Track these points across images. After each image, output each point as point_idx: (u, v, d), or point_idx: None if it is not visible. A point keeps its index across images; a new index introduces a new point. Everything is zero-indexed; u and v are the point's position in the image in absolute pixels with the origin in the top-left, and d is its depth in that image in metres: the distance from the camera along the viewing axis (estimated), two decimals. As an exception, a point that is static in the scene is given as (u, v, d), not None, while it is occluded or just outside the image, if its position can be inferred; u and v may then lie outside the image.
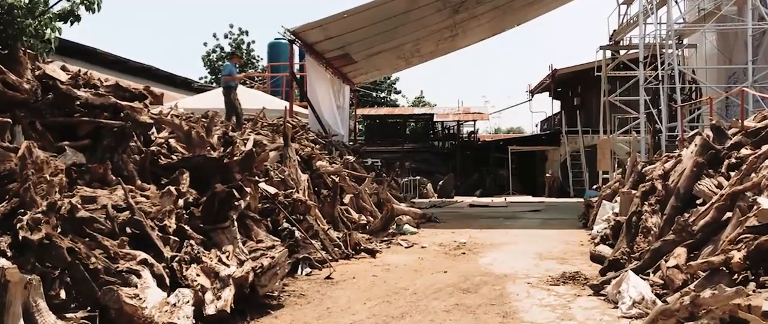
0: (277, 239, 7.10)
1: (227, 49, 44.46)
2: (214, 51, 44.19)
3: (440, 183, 26.35)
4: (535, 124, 40.22)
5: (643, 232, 6.78)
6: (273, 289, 5.79)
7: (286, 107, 13.84)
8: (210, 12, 79.79)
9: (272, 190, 7.59)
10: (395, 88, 47.42)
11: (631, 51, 23.89)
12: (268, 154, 8.48)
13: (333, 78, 20.42)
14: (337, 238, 8.86)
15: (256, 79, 26.94)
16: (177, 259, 4.91)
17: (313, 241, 8.03)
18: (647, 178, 9.42)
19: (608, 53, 24.08)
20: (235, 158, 7.02)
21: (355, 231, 10.07)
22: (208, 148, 7.71)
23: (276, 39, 22.95)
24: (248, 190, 6.78)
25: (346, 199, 10.83)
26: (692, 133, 8.35)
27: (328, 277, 7.11)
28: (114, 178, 5.91)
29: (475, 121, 36.47)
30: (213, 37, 45.21)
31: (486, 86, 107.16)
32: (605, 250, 7.99)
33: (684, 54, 22.21)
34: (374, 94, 44.75)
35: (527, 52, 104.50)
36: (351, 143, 21.59)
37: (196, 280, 5.09)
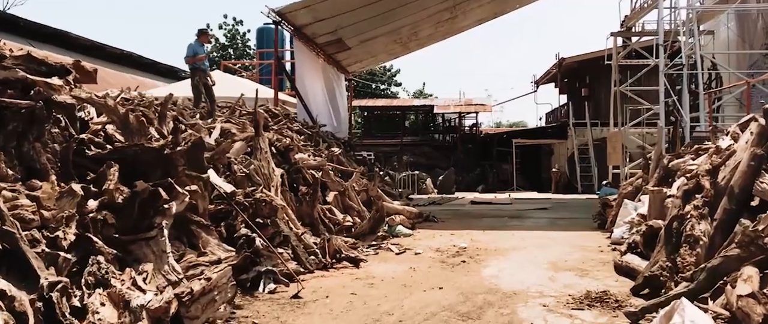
0: (232, 249, 5.75)
1: (223, 40, 43.16)
2: (209, 42, 42.79)
3: (440, 178, 24.95)
4: (540, 117, 38.82)
5: (689, 241, 5.39)
6: (213, 318, 4.42)
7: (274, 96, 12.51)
8: (203, 1, 78.14)
9: (228, 187, 6.21)
10: (396, 81, 46.01)
11: (645, 38, 22.53)
12: (231, 144, 7.10)
13: (325, 66, 19.05)
14: (314, 244, 7.48)
15: (248, 67, 25.57)
16: (62, 285, 3.52)
17: (283, 250, 6.66)
18: (679, 174, 8.04)
19: (619, 41, 22.62)
20: (179, 148, 5.64)
21: (338, 235, 8.70)
22: (154, 136, 6.34)
23: (265, 24, 21.54)
24: (192, 187, 5.41)
25: (330, 197, 9.47)
26: (745, 119, 6.91)
27: (295, 296, 5.73)
28: (9, 172, 4.55)
29: (477, 113, 34.99)
30: (207, 28, 43.69)
31: (489, 80, 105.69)
32: (635, 261, 6.60)
33: (701, 41, 20.81)
34: (373, 86, 43.35)
35: (533, 42, 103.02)
36: (347, 136, 20.21)
37: (98, 313, 3.73)
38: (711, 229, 5.37)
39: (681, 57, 17.11)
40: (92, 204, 4.47)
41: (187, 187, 5.49)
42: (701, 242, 5.26)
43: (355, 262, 7.46)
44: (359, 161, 15.14)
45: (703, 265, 4.60)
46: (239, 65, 26.57)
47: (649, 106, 21.51)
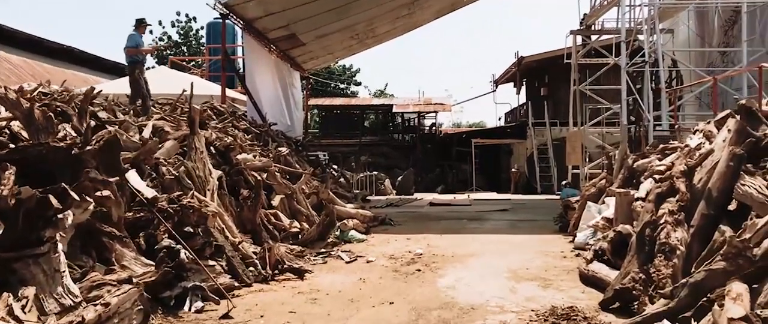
0: (152, 263, 5.02)
1: (175, 37, 41.90)
2: (161, 39, 41.58)
3: (399, 179, 24.42)
4: (499, 117, 38.52)
5: (664, 251, 4.86)
6: (116, 349, 3.70)
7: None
8: (154, -1, 75.81)
9: (149, 192, 5.46)
10: (355, 80, 45.31)
11: (604, 36, 22.32)
12: (157, 143, 6.34)
13: (278, 62, 18.25)
14: (254, 254, 6.76)
15: (195, 63, 24.57)
16: None
17: (216, 261, 5.94)
18: (646, 175, 7.58)
19: (579, 39, 22.34)
20: (89, 147, 4.89)
21: (284, 242, 8.02)
22: (69, 134, 5.56)
23: (215, 18, 20.61)
24: (103, 192, 4.67)
25: (276, 201, 8.75)
26: (721, 115, 6.46)
27: (225, 316, 5.03)
28: None
29: (436, 112, 34.51)
30: (159, 25, 42.40)
31: (449, 80, 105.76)
32: (602, 270, 6.08)
33: (661, 40, 20.67)
34: (332, 85, 42.57)
35: (492, 41, 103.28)
36: (301, 136, 19.41)
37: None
38: (687, 236, 4.85)
39: (643, 55, 16.82)
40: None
41: (98, 193, 4.76)
42: (678, 252, 4.74)
43: (300, 274, 6.77)
44: (312, 162, 14.43)
45: (684, 281, 4.05)
46: (187, 61, 25.51)
47: (609, 105, 21.30)
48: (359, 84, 45.76)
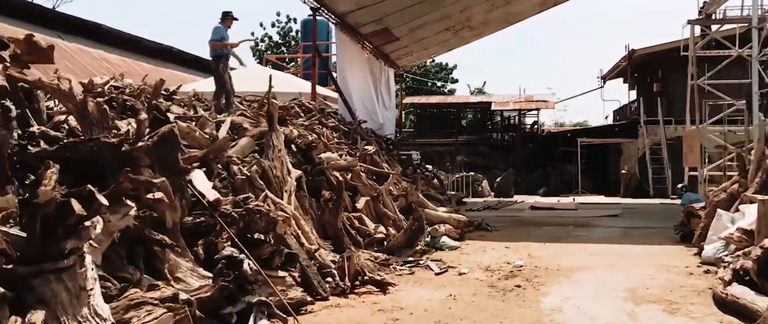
0: (209, 275, 4.43)
1: (276, 38, 42.53)
2: (262, 40, 42.36)
3: (498, 180, 23.32)
4: (606, 115, 36.44)
5: (843, 278, 3.73)
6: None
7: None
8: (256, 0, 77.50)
9: (212, 194, 4.87)
10: (452, 77, 44.30)
11: (726, 26, 20.45)
12: (227, 140, 5.79)
13: (372, 59, 17.69)
14: (333, 262, 6.09)
15: (291, 62, 24.51)
16: None
17: (286, 272, 5.29)
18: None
19: (697, 29, 20.52)
20: (142, 143, 4.35)
21: (368, 249, 7.32)
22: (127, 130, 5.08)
23: (309, 15, 20.33)
24: (156, 195, 4.11)
25: (360, 203, 8.06)
26: None
27: (290, 339, 4.37)
28: None
29: (538, 110, 32.95)
30: (260, 27, 43.10)
31: (551, 78, 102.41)
32: (747, 295, 4.95)
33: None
34: (429, 83, 41.81)
35: (598, 36, 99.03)
36: (393, 135, 18.77)
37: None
38: None
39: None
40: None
41: (149, 195, 4.21)
42: None
43: (382, 286, 6.02)
44: (403, 161, 13.72)
45: None
46: (283, 59, 25.49)
47: (731, 101, 19.52)
48: (456, 81, 44.75)
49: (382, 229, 7.99)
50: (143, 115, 5.12)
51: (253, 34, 41.22)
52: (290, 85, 15.92)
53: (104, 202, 3.17)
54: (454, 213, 10.62)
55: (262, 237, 5.25)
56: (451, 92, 43.33)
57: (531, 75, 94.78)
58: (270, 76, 8.32)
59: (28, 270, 3.13)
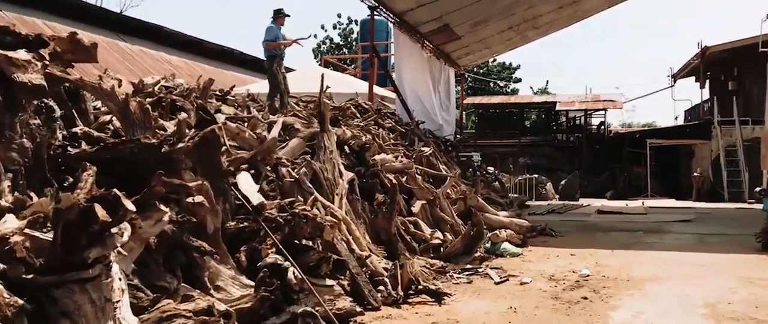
0: (251, 284, 4.19)
1: (337, 40, 42.68)
2: (323, 42, 42.63)
3: (562, 183, 22.64)
4: (676, 115, 34.96)
5: None
6: None
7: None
8: (317, 3, 78.02)
9: (256, 198, 4.63)
10: (515, 77, 43.42)
11: (811, 19, 19.20)
12: (275, 141, 5.56)
13: (431, 59, 17.34)
14: (385, 270, 5.78)
15: (351, 62, 24.40)
16: None
17: (336, 280, 5.00)
18: None
19: (778, 24, 19.39)
20: (182, 145, 4.14)
21: (424, 255, 6.99)
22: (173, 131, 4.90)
23: (368, 14, 20.15)
24: (196, 198, 3.89)
25: (416, 207, 7.74)
26: None
27: (336, 353, 4.08)
28: None
29: (605, 110, 31.83)
30: (321, 29, 43.30)
31: (619, 77, 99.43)
32: None
33: None
34: (491, 84, 41.10)
35: (668, 33, 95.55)
36: (452, 135, 18.35)
37: None
38: None
39: None
40: (9, 224, 3.03)
41: (189, 199, 3.99)
42: None
43: (437, 297, 5.67)
44: (463, 163, 13.32)
45: None
46: (342, 60, 25.41)
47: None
48: (519, 81, 43.85)
49: (438, 234, 7.64)
50: (183, 115, 4.93)
51: (315, 35, 41.53)
52: (348, 85, 15.76)
53: (131, 207, 2.94)
54: (515, 217, 10.16)
55: (309, 243, 4.99)
56: (514, 92, 42.52)
57: (596, 73, 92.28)
58: (322, 75, 8.09)
59: (49, 280, 2.92)
